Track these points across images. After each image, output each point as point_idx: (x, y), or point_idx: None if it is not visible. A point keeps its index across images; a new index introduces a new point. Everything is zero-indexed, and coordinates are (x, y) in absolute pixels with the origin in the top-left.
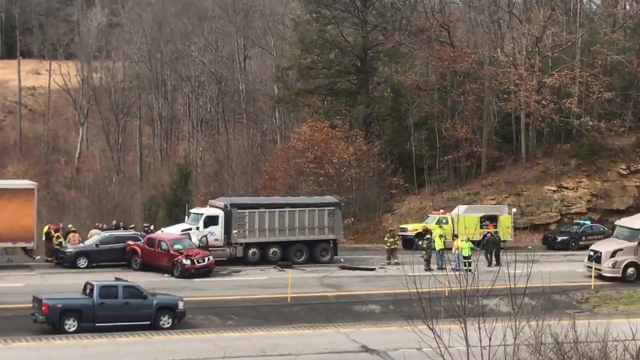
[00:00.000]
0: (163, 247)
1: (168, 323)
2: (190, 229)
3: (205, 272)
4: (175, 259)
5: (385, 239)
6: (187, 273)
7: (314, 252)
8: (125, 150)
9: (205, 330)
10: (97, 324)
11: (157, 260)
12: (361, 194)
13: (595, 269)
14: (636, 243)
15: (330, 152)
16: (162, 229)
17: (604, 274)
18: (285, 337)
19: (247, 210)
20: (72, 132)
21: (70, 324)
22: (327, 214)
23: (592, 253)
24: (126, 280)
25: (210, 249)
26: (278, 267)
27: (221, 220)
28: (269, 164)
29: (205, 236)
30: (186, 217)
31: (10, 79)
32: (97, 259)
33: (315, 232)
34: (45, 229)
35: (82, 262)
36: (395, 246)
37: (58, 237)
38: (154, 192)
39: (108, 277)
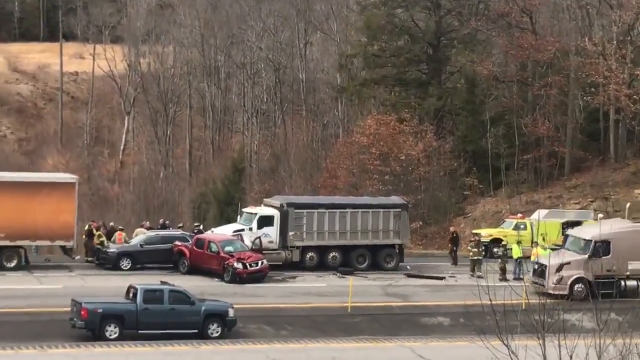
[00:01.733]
0: (213, 249)
1: (217, 332)
2: (242, 230)
3: (258, 277)
4: (226, 262)
5: (469, 248)
6: (239, 278)
7: (377, 258)
8: (174, 142)
9: (257, 340)
10: (140, 331)
11: (206, 263)
12: (430, 195)
13: (539, 284)
14: (586, 256)
15: (397, 148)
16: (213, 229)
17: (548, 291)
18: (344, 351)
19: (305, 211)
20: (117, 122)
21: (111, 331)
22: (392, 217)
23: (536, 266)
24: (172, 284)
25: (264, 252)
26: (338, 274)
27: (277, 221)
28: (329, 160)
29: (259, 238)
30: (239, 216)
31: (52, 63)
32: (141, 260)
33: (379, 236)
34: (87, 227)
35: (126, 263)
36: (480, 257)
37: (100, 236)
38: (205, 189)
39: (153, 281)
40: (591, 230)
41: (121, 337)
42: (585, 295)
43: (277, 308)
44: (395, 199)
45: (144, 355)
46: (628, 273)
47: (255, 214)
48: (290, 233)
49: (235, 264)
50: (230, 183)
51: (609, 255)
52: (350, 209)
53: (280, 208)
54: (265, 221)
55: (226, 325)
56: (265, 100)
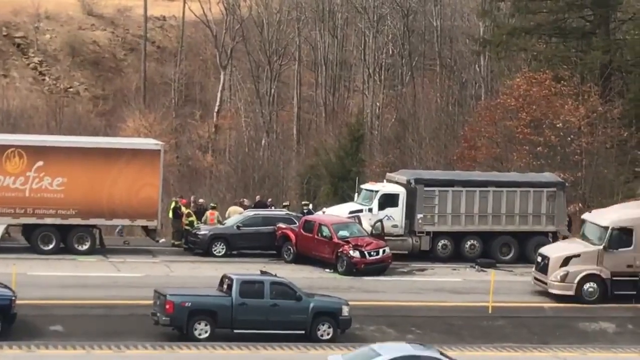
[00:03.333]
0: (324, 234)
1: (328, 334)
2: (361, 211)
3: (379, 268)
4: (340, 249)
5: None
6: (356, 269)
7: (525, 248)
8: (279, 103)
9: None
10: (235, 331)
11: (315, 250)
12: (594, 172)
13: (540, 281)
14: (601, 247)
15: (553, 113)
16: (324, 209)
17: (549, 290)
18: None
19: (437, 189)
20: (211, 78)
21: (202, 329)
22: (545, 198)
23: (539, 259)
24: (275, 275)
25: (386, 238)
26: (477, 266)
27: (402, 201)
28: (468, 127)
29: (381, 221)
30: (356, 194)
31: (134, 5)
32: (238, 245)
33: (528, 221)
34: (173, 204)
35: (219, 248)
36: None
37: (189, 215)
38: (315, 161)
39: (252, 270)
40: (611, 214)
41: (213, 337)
42: (597, 297)
43: (402, 307)
44: (549, 176)
45: None
46: None
47: (377, 191)
48: (419, 216)
49: (351, 252)
50: (346, 154)
51: (631, 247)
52: (493, 187)
53: (407, 185)
54: (388, 201)
55: (339, 325)
56: (390, 53)
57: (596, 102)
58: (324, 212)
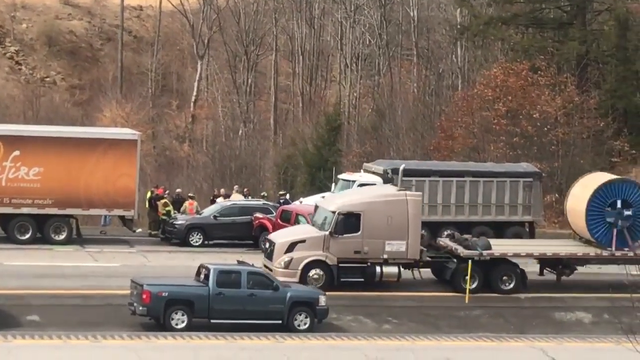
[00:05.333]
0: (301, 223)
1: (305, 324)
2: None
3: None
4: None
5: None
6: None
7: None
8: (256, 93)
9: (354, 335)
10: (212, 320)
11: None
12: (570, 162)
13: (268, 268)
14: (327, 232)
15: (529, 103)
16: (301, 199)
17: (276, 277)
18: (461, 350)
19: (414, 179)
20: (188, 68)
21: (178, 319)
22: (522, 188)
23: (267, 245)
24: (252, 265)
25: None
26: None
27: None
28: (445, 117)
29: None
30: (333, 184)
31: None
32: (215, 235)
33: (504, 211)
34: (150, 193)
35: (196, 238)
36: None
37: (165, 205)
38: (292, 150)
39: (229, 260)
40: (339, 199)
41: (190, 327)
42: (323, 284)
43: (379, 297)
44: (525, 166)
45: (217, 349)
46: (385, 256)
47: (354, 181)
48: None
49: None
50: (323, 144)
51: (359, 233)
52: (470, 177)
53: (383, 175)
54: None
55: (316, 315)
56: (367, 43)
57: (572, 93)
58: (301, 202)
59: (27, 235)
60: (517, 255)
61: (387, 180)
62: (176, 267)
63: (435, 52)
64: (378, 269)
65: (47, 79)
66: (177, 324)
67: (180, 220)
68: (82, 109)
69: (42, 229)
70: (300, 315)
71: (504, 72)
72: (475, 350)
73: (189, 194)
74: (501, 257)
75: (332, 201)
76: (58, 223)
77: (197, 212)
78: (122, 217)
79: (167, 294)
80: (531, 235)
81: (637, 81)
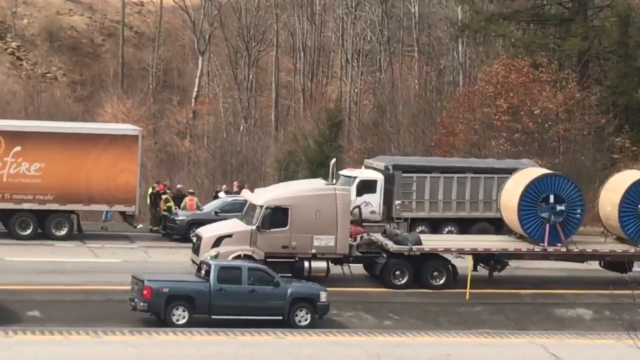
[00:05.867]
0: None
1: (306, 320)
2: None
3: None
4: None
5: None
6: None
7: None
8: (257, 89)
9: (355, 331)
10: (213, 316)
11: None
12: (571, 159)
13: (195, 263)
14: (254, 227)
15: (530, 100)
16: None
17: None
18: (461, 346)
19: (415, 175)
20: (189, 64)
21: (179, 315)
22: None
23: (195, 239)
24: (251, 261)
25: (364, 224)
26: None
27: (380, 187)
28: (446, 113)
29: (359, 207)
30: (333, 180)
31: None
32: None
33: None
34: (151, 189)
35: None
36: None
37: (167, 201)
38: (293, 146)
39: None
40: (267, 193)
41: (191, 323)
42: None
43: (380, 293)
44: (526, 163)
45: (218, 346)
46: (314, 251)
47: (355, 177)
48: (397, 202)
49: None
50: (324, 140)
51: (287, 228)
52: (471, 173)
53: (384, 171)
54: (366, 187)
55: (317, 311)
56: (368, 39)
57: (574, 89)
58: None
59: (28, 231)
60: (447, 250)
61: (388, 176)
62: (177, 262)
63: (437, 48)
64: (306, 264)
65: (48, 75)
66: (178, 320)
67: (182, 216)
68: (83, 105)
69: (43, 225)
70: (301, 311)
71: (505, 68)
72: (476, 347)
73: (189, 190)
74: (432, 253)
75: (260, 195)
76: (59, 219)
77: (198, 208)
78: (123, 213)
79: (168, 289)
80: None
81: (639, 77)
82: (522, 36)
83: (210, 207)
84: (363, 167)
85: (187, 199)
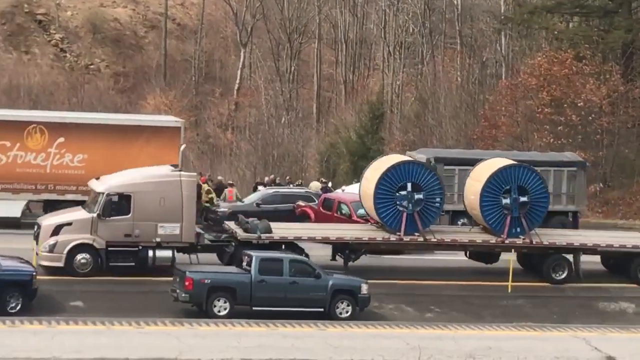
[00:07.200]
0: (344, 212)
1: (347, 312)
2: None
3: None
4: None
5: None
6: None
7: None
8: (298, 81)
9: (396, 324)
10: (254, 308)
11: None
12: (615, 152)
13: (37, 253)
14: (95, 214)
15: (574, 92)
16: (343, 187)
17: (40, 262)
18: (502, 339)
19: (457, 167)
20: (231, 56)
21: (220, 306)
22: (566, 177)
23: (36, 227)
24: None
25: None
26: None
27: None
28: (489, 106)
29: None
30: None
31: None
32: None
33: (549, 200)
34: None
35: None
36: None
37: (208, 192)
38: (335, 139)
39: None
40: (110, 179)
41: (232, 314)
42: (91, 269)
43: (421, 285)
44: (569, 156)
45: (259, 337)
46: (158, 240)
47: None
48: None
49: None
50: (366, 132)
51: (129, 215)
52: None
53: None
54: None
55: (358, 304)
56: (411, 31)
57: (617, 82)
58: (343, 191)
59: None
60: (298, 239)
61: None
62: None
63: (479, 40)
64: (150, 252)
65: (92, 66)
66: (219, 311)
67: (223, 207)
68: (125, 97)
69: None
70: (342, 303)
71: (549, 60)
72: (518, 340)
73: (229, 181)
74: (283, 241)
75: (103, 182)
76: None
77: (238, 199)
78: None
79: (209, 281)
80: (575, 225)
81: None
82: (566, 29)
83: (251, 198)
84: None
85: (226, 190)
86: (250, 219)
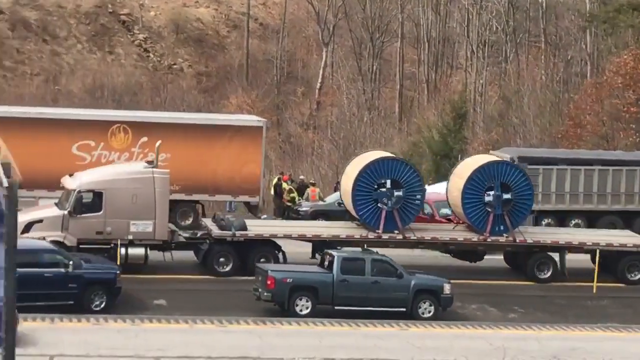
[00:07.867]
0: (426, 211)
1: (429, 312)
2: None
3: None
4: None
5: None
6: None
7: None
8: (381, 80)
9: (479, 324)
10: (336, 307)
11: None
12: None
13: None
14: (66, 212)
15: None
16: (426, 186)
17: None
18: (588, 340)
19: (541, 167)
20: (313, 55)
21: (303, 305)
22: None
23: None
24: (376, 252)
25: None
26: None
27: None
28: (574, 105)
29: None
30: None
31: None
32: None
33: (634, 200)
34: (275, 180)
35: None
36: None
37: (290, 191)
38: (417, 138)
39: (353, 247)
40: (82, 176)
41: (314, 314)
42: None
43: (505, 286)
44: None
45: (341, 336)
46: (130, 237)
47: None
48: None
49: None
50: (448, 131)
51: (101, 212)
52: (599, 165)
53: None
54: None
55: (441, 303)
56: (494, 29)
57: None
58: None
59: None
60: (274, 236)
61: None
62: (301, 254)
63: (564, 38)
64: (123, 250)
65: (175, 66)
66: (301, 310)
67: (305, 206)
68: (208, 96)
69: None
70: (424, 303)
71: (635, 59)
72: (603, 341)
73: (310, 181)
74: (258, 239)
75: (75, 179)
76: (185, 208)
77: (320, 199)
78: (247, 204)
79: (291, 280)
80: None
81: None
82: None
83: (332, 198)
84: None
85: (309, 190)
86: (227, 216)
